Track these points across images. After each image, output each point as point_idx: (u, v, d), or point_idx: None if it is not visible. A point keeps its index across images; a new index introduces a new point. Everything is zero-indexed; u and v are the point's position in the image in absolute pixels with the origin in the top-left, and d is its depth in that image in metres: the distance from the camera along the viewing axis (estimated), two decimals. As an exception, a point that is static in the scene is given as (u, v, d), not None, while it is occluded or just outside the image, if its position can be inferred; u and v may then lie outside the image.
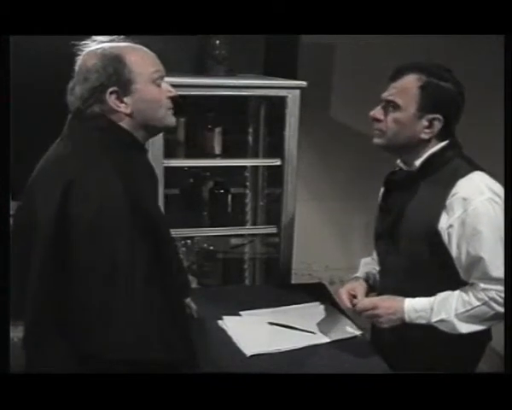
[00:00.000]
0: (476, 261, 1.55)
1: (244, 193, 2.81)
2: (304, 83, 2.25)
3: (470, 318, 1.58)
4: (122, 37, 1.41)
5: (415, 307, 1.63)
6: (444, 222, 1.58)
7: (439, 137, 1.64)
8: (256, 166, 2.74)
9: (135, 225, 1.27)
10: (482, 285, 1.55)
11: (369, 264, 1.94)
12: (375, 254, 1.91)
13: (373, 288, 1.86)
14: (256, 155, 2.69)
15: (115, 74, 1.34)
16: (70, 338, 1.27)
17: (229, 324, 1.85)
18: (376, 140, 1.69)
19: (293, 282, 2.47)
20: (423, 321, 1.62)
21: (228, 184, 2.65)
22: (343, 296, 1.77)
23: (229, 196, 2.62)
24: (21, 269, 1.31)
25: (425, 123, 1.61)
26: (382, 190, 1.86)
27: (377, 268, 1.88)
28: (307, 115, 2.36)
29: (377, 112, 1.66)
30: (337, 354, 1.72)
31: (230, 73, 2.43)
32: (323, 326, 1.86)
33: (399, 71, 1.64)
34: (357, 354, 1.71)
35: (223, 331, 1.82)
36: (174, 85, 1.48)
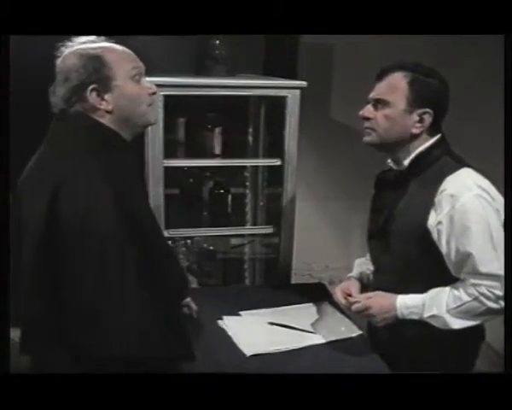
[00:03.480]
0: (465, 257, 1.56)
1: (244, 193, 2.80)
2: (304, 83, 2.25)
3: (461, 313, 1.59)
4: (102, 37, 1.43)
5: (407, 304, 1.65)
6: (432, 219, 1.59)
7: (429, 132, 1.66)
8: (256, 166, 2.73)
9: (123, 225, 1.28)
10: (472, 281, 1.56)
11: (363, 264, 1.97)
12: (368, 254, 1.92)
13: (366, 286, 1.89)
14: (256, 155, 2.69)
15: (95, 72, 1.36)
16: (63, 338, 1.27)
17: (229, 324, 1.85)
18: (367, 138, 1.70)
19: (293, 282, 2.47)
20: (415, 317, 1.64)
21: (228, 184, 2.64)
22: (338, 295, 1.84)
23: (229, 196, 2.62)
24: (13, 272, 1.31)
25: (415, 117, 1.63)
26: (374, 190, 1.87)
27: (371, 268, 1.90)
28: (307, 115, 2.36)
29: (367, 110, 1.68)
30: (337, 354, 1.72)
31: (230, 73, 2.43)
32: (323, 326, 1.86)
33: (385, 70, 1.67)
34: (357, 354, 1.71)
35: (223, 331, 1.82)
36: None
